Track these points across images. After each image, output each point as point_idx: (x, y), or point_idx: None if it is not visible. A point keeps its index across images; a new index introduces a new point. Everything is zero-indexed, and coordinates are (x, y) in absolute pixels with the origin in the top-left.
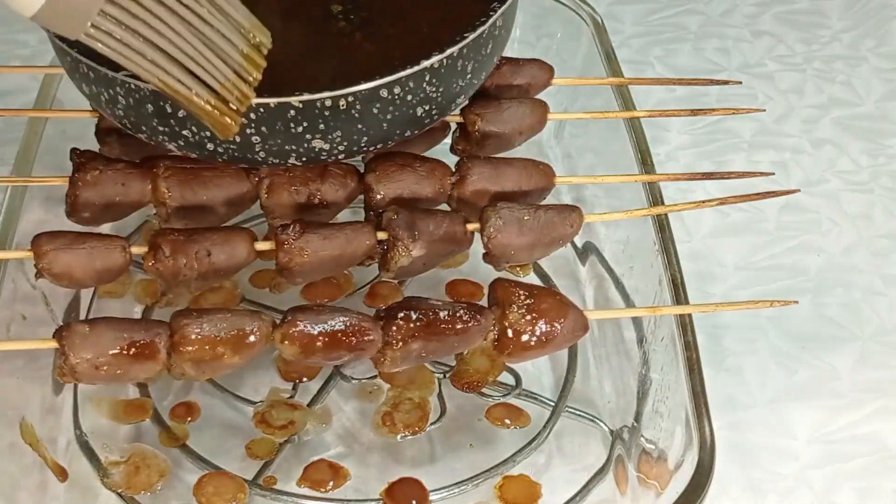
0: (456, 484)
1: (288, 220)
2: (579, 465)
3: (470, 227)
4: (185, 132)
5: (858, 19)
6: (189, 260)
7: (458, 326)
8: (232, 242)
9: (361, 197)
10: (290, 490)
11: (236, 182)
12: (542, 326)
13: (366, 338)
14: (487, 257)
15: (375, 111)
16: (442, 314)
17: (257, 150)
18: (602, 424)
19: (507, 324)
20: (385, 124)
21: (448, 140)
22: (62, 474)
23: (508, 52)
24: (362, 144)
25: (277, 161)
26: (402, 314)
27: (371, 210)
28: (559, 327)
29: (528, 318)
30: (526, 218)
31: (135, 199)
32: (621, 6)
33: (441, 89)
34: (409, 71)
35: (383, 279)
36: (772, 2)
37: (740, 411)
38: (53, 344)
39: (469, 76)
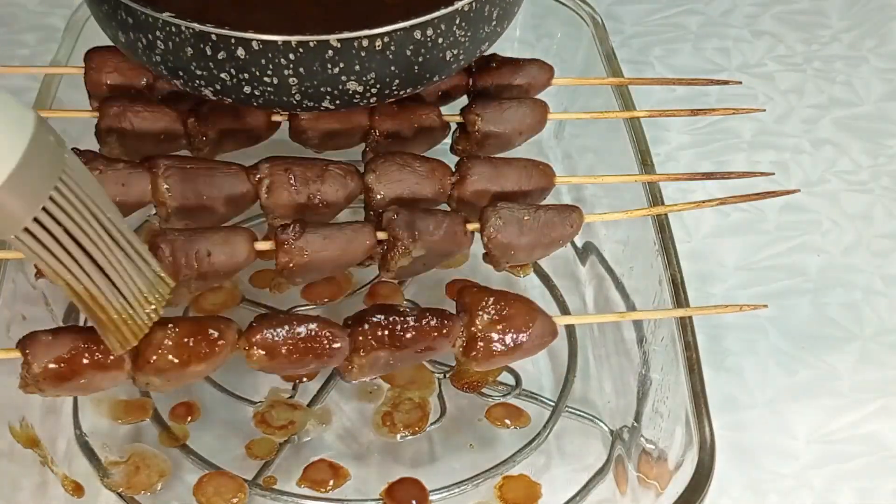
0: (456, 484)
1: (288, 219)
2: (579, 465)
3: (470, 226)
4: (222, 75)
5: (858, 19)
6: (189, 260)
7: (426, 334)
8: (232, 242)
9: (362, 197)
10: (290, 490)
11: (236, 181)
12: (510, 333)
13: (333, 345)
14: (487, 257)
15: (409, 53)
16: (410, 321)
17: (293, 92)
18: (602, 424)
19: (474, 330)
20: (416, 67)
21: (448, 140)
22: (77, 491)
23: (508, 53)
24: (394, 87)
25: (311, 104)
26: (368, 321)
27: (371, 210)
28: (527, 333)
29: (496, 324)
30: (526, 218)
31: (135, 198)
32: (621, 6)
33: (469, 34)
34: (442, 12)
35: (383, 279)
36: (772, 2)
37: (740, 411)
38: (17, 354)
39: (494, 23)
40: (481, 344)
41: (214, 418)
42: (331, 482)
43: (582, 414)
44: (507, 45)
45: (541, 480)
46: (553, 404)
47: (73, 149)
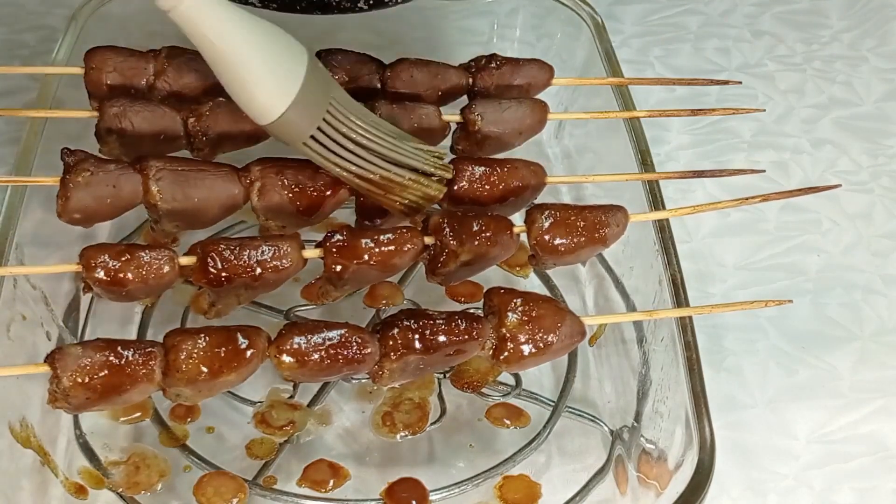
0: (456, 484)
1: (280, 221)
2: (579, 465)
3: (516, 229)
4: None
5: (858, 19)
6: (240, 269)
7: (456, 337)
8: (281, 251)
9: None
10: (290, 490)
11: (228, 183)
12: (539, 334)
13: (363, 351)
14: (534, 259)
15: None
16: (439, 325)
17: None
18: (602, 424)
19: (504, 332)
20: None
21: (448, 140)
22: (81, 492)
23: (508, 53)
24: None
25: (349, 5)
26: (399, 326)
27: (364, 211)
28: (556, 334)
29: (525, 326)
30: (572, 218)
31: (126, 200)
32: (621, 6)
33: None
34: None
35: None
36: (772, 2)
37: (740, 411)
38: (46, 368)
39: None
40: (511, 346)
41: (214, 418)
42: (331, 482)
43: (582, 414)
44: (507, 45)
45: (541, 480)
46: (553, 404)
47: (63, 148)
